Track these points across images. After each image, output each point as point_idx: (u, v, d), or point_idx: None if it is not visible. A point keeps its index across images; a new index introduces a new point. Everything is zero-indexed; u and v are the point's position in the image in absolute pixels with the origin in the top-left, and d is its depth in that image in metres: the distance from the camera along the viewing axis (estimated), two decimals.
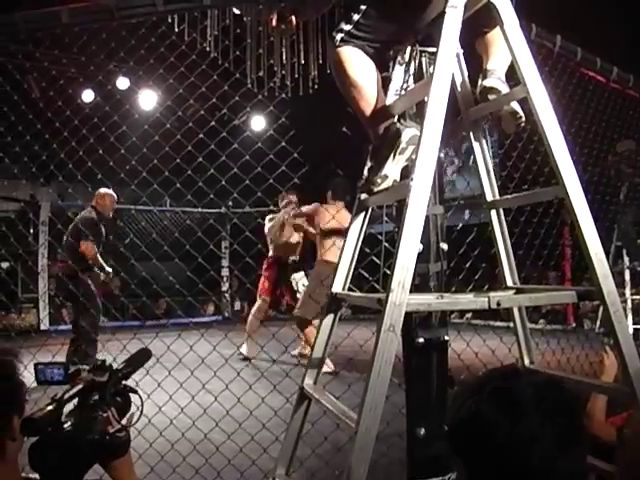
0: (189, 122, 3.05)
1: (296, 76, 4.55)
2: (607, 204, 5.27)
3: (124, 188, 4.80)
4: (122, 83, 8.23)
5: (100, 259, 5.66)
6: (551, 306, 8.10)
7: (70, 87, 4.89)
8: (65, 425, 1.21)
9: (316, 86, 4.91)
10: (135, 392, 1.37)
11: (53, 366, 1.28)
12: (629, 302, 6.66)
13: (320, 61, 4.20)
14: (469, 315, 8.54)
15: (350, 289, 2.10)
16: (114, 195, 5.95)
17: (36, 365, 1.29)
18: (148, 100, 8.02)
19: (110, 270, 5.89)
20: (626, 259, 6.77)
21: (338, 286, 2.01)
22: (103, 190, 5.77)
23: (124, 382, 1.35)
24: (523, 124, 1.99)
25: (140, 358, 1.46)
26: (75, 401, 1.25)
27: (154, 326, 5.17)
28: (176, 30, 3.30)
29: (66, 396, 1.23)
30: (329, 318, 2.01)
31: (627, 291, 6.75)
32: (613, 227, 6.49)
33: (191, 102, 3.10)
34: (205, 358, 3.17)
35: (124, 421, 1.32)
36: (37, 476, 1.21)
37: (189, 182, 3.27)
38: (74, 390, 1.25)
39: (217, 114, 3.24)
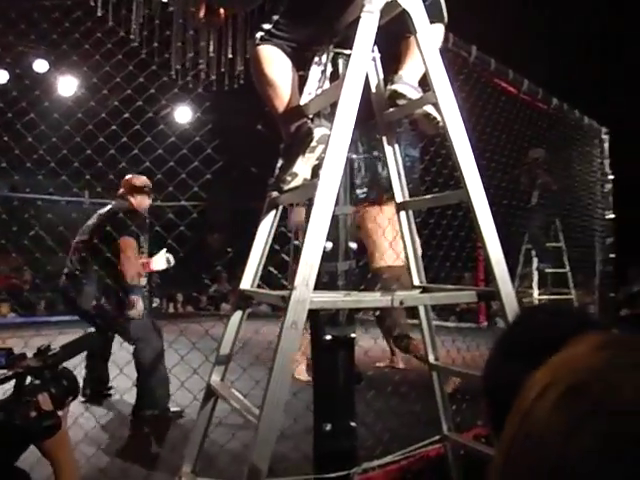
0: (102, 113, 2.94)
1: (222, 70, 4.49)
2: (517, 209, 5.52)
3: (30, 177, 4.51)
4: (40, 66, 7.80)
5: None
6: (467, 305, 8.43)
7: None
8: None
9: (242, 81, 4.87)
10: (72, 376, 1.40)
11: None
12: (536, 302, 7.01)
13: (247, 56, 4.16)
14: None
15: (260, 286, 2.10)
16: (149, 183, 3.94)
17: None
18: (67, 86, 7.63)
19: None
20: (535, 261, 7.14)
21: (246, 283, 2.00)
22: (133, 176, 3.85)
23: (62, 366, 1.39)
24: (441, 124, 2.05)
25: (80, 343, 1.52)
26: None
27: (60, 322, 4.96)
28: (99, 15, 3.18)
29: None
30: (237, 315, 2.01)
31: (535, 292, 7.12)
32: (524, 231, 6.82)
33: (105, 92, 2.98)
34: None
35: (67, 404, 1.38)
36: None
37: (102, 173, 3.15)
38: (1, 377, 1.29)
39: (138, 104, 3.14)
